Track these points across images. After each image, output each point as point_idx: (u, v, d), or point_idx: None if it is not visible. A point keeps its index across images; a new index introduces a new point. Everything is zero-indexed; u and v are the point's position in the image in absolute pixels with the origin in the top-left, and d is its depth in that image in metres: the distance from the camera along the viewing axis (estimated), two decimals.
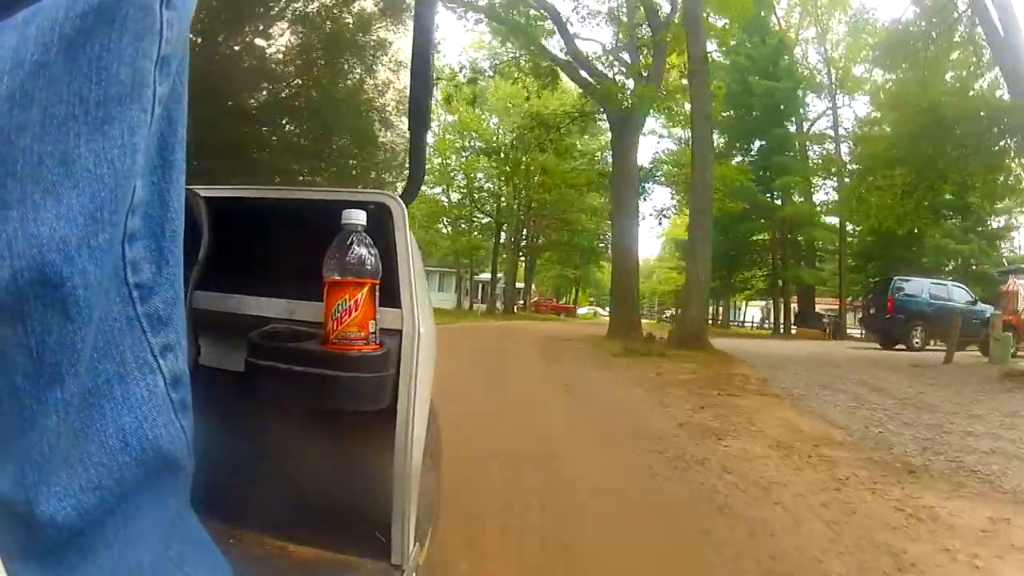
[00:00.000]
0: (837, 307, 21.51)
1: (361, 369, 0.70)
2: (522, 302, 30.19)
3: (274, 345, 0.72)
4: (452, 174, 23.87)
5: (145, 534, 0.42)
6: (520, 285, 30.32)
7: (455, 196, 24.81)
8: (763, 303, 28.93)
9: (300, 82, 11.56)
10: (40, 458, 0.36)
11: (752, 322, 27.42)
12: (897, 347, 11.10)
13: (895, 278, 12.27)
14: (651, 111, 12.63)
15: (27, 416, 0.35)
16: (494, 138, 20.56)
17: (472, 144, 24.10)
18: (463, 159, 23.62)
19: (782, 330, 20.44)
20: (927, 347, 10.93)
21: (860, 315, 14.38)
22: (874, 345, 12.17)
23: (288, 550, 0.76)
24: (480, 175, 25.13)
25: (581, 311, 38.00)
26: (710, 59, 11.09)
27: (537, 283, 36.16)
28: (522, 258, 28.35)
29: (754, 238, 21.45)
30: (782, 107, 19.99)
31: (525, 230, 26.87)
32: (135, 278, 0.41)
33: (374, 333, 0.71)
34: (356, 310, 0.70)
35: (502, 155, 20.68)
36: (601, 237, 28.43)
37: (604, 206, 27.85)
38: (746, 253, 21.46)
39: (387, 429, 0.73)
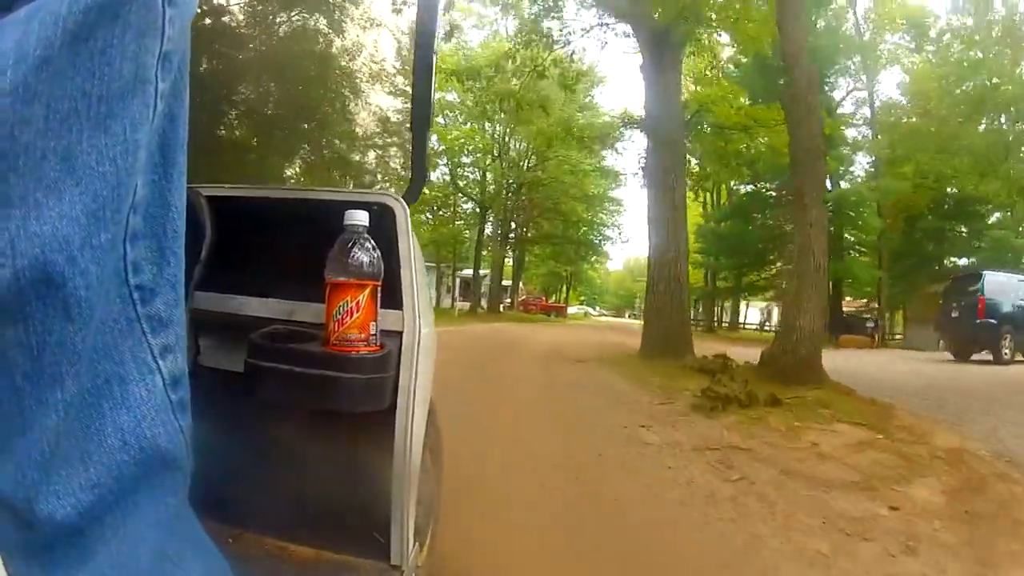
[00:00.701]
0: (864, 309, 18.96)
1: (361, 371, 0.72)
2: (509, 301, 27.21)
3: (275, 346, 0.74)
4: (432, 155, 20.57)
5: (144, 533, 0.43)
6: (507, 283, 27.30)
7: (435, 177, 21.54)
8: (763, 304, 26.42)
9: (255, 42, 10.07)
10: (40, 457, 0.37)
11: (759, 325, 24.73)
12: (972, 358, 9.97)
13: (985, 273, 10.65)
14: (708, 23, 8.93)
15: (27, 416, 0.36)
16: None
17: (454, 117, 20.80)
18: (440, 125, 20.13)
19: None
20: (1016, 359, 9.74)
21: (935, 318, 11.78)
22: (943, 355, 10.99)
23: (287, 550, 0.77)
24: (466, 159, 21.87)
25: (571, 311, 35.40)
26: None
27: (525, 280, 33.25)
28: (509, 253, 25.32)
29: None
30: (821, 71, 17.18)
31: (513, 222, 23.82)
32: (136, 279, 0.42)
33: (375, 335, 0.73)
34: (357, 312, 0.71)
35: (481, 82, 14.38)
36: (598, 229, 25.50)
37: (603, 194, 25.04)
38: (774, 244, 18.56)
39: (387, 430, 0.76)
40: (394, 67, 12.77)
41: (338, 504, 0.78)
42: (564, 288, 38.38)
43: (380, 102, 12.81)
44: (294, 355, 0.71)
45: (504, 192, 23.23)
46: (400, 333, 0.77)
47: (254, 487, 0.79)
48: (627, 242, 34.60)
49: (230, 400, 0.71)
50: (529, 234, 25.83)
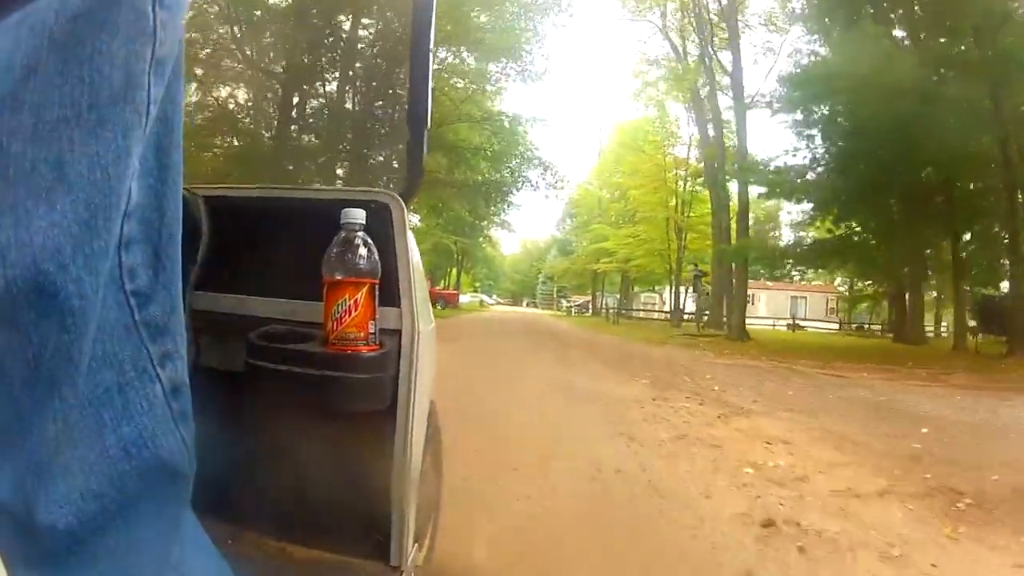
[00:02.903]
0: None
1: (360, 370, 0.72)
2: None
3: (273, 346, 0.74)
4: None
5: (146, 542, 0.43)
6: None
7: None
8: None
9: None
10: (39, 466, 0.37)
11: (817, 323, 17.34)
12: None
13: None
14: None
15: (26, 426, 0.36)
16: None
17: None
18: None
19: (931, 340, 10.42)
20: None
21: None
22: None
23: (288, 551, 0.77)
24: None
25: (463, 300, 27.92)
26: None
27: None
28: None
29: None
30: None
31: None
32: (132, 285, 0.41)
33: (374, 333, 0.73)
34: (356, 310, 0.71)
35: None
36: (510, 174, 17.79)
37: (518, 116, 17.44)
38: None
39: (387, 429, 0.76)
40: None
41: (338, 504, 0.79)
42: (455, 271, 30.54)
43: None
44: (293, 355, 0.72)
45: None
46: (399, 331, 0.78)
47: (254, 487, 0.80)
48: (562, 187, 22.40)
49: (229, 400, 0.71)
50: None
